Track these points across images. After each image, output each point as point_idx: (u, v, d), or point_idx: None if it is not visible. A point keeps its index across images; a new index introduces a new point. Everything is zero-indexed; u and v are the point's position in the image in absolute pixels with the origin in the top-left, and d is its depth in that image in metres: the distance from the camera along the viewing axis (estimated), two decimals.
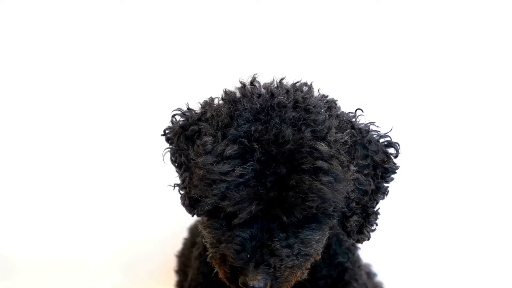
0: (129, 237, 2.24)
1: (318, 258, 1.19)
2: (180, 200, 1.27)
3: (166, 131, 1.33)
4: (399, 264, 2.10)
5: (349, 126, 1.19)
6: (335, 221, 1.17)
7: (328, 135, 1.11)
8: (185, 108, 1.31)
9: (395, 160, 1.25)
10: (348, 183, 1.13)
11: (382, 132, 1.27)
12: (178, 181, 1.29)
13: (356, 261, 1.42)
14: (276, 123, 1.08)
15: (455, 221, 2.17)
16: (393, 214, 2.12)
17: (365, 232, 1.23)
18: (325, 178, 1.06)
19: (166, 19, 2.22)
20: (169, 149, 1.32)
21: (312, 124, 1.10)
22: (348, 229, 1.21)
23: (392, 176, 1.25)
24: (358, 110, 1.25)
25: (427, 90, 2.18)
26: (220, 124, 1.13)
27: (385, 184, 1.24)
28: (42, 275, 2.13)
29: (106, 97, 2.26)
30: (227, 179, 1.05)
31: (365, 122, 1.25)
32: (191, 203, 1.21)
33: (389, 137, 1.27)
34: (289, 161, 1.06)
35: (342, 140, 1.13)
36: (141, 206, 2.24)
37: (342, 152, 1.12)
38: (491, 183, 2.16)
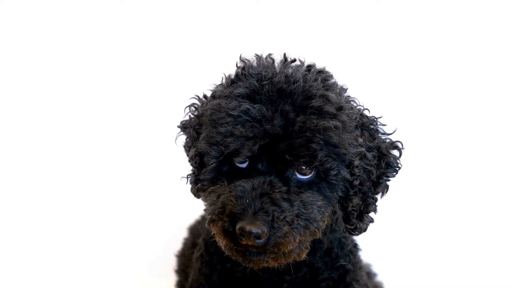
0: (129, 237, 2.24)
1: (318, 234, 1.15)
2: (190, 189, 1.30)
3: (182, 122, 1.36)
4: (399, 264, 2.10)
5: (357, 110, 1.22)
6: (337, 195, 1.16)
7: (339, 92, 1.17)
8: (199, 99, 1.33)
9: (397, 164, 1.26)
10: (355, 145, 1.14)
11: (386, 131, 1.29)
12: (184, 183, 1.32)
13: (357, 262, 1.42)
14: (288, 71, 1.15)
15: (455, 221, 2.17)
16: (393, 215, 2.13)
17: (364, 218, 1.23)
18: (332, 122, 1.08)
19: (166, 18, 2.21)
20: (182, 133, 1.35)
21: (323, 80, 1.17)
22: (349, 209, 1.20)
23: (394, 173, 1.26)
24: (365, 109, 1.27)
25: (427, 90, 2.17)
26: (230, 80, 1.18)
27: (386, 180, 1.25)
28: (42, 275, 2.12)
29: (107, 98, 2.25)
30: (233, 113, 1.09)
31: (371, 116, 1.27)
32: (196, 179, 1.24)
33: (390, 138, 1.28)
34: (297, 101, 1.09)
35: (351, 109, 1.17)
36: (141, 206, 2.24)
37: (350, 113, 1.15)
38: (490, 183, 2.16)
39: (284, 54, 1.24)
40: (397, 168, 1.26)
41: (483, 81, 2.16)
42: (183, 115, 1.34)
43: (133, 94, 2.24)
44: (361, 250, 1.48)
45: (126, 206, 2.25)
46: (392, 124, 1.43)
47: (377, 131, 1.25)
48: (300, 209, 1.09)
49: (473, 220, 2.16)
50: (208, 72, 1.31)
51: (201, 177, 1.21)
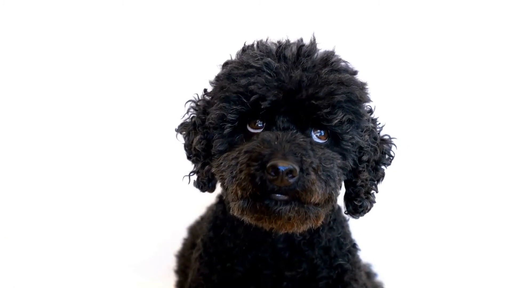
0: (129, 237, 2.24)
1: (332, 202, 1.14)
2: (194, 183, 1.30)
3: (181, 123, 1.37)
4: (399, 264, 2.09)
5: None
6: (349, 164, 1.18)
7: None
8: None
9: (392, 153, 1.32)
10: (366, 118, 1.20)
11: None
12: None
13: (356, 262, 1.42)
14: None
15: (455, 221, 2.16)
16: (392, 215, 2.14)
17: (370, 197, 1.26)
18: (354, 78, 1.17)
19: (166, 17, 2.21)
20: (182, 132, 1.34)
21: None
22: (358, 183, 1.23)
23: (389, 161, 1.31)
24: None
25: (427, 90, 2.17)
26: (242, 49, 1.24)
27: (383, 166, 1.29)
28: (41, 275, 2.13)
29: (106, 98, 2.25)
30: (255, 65, 1.12)
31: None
32: (203, 163, 1.24)
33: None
34: (316, 59, 1.16)
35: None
36: (141, 206, 2.24)
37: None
38: (490, 184, 2.16)
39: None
40: (391, 157, 1.31)
41: (481, 81, 2.15)
42: (184, 111, 1.35)
43: (132, 95, 2.24)
44: (360, 250, 1.48)
45: (126, 206, 2.24)
46: (392, 123, 1.44)
47: (375, 119, 1.30)
48: (322, 163, 1.09)
49: (472, 220, 2.15)
50: (207, 72, 1.32)
51: (213, 151, 1.20)
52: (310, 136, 1.14)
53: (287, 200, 1.06)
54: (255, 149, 1.08)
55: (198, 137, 1.25)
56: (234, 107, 1.14)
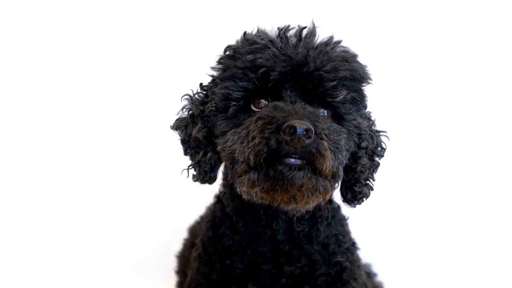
0: (129, 237, 2.23)
1: (340, 175, 1.13)
2: (192, 176, 1.30)
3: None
4: (399, 264, 2.09)
5: None
6: (352, 141, 1.20)
7: None
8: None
9: (383, 145, 1.35)
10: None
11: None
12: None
13: (355, 261, 1.42)
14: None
15: (455, 222, 2.16)
16: (392, 215, 2.14)
17: (369, 184, 1.29)
18: (355, 58, 1.20)
19: (166, 16, 2.21)
20: (185, 109, 1.35)
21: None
22: (358, 169, 1.25)
23: (382, 153, 1.34)
24: None
25: (426, 90, 2.17)
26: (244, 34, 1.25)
27: (377, 157, 1.32)
28: (40, 276, 2.13)
29: (105, 99, 2.25)
30: (261, 41, 1.15)
31: None
32: (205, 151, 1.25)
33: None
34: (317, 39, 1.18)
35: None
36: (141, 207, 2.24)
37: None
38: (489, 184, 2.15)
39: None
40: (384, 149, 1.34)
41: (481, 80, 2.15)
42: (180, 106, 1.36)
43: (131, 96, 2.24)
44: (359, 249, 1.48)
45: (126, 207, 2.24)
46: (393, 123, 1.45)
47: (369, 111, 1.33)
48: (331, 134, 1.10)
49: (472, 220, 2.15)
50: (202, 71, 1.33)
51: (216, 133, 1.20)
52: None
53: (301, 166, 1.05)
54: (268, 115, 1.08)
55: (198, 126, 1.26)
56: (240, 84, 1.15)
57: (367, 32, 2.11)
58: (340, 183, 1.28)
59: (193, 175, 1.31)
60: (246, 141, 1.08)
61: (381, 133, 1.34)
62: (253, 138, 1.07)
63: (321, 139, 1.06)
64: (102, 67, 2.23)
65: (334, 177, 1.12)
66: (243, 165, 1.09)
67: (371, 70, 1.27)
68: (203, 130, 1.25)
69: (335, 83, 1.13)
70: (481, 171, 2.16)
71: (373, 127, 1.32)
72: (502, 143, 2.15)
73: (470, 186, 2.15)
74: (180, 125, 1.33)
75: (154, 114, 2.15)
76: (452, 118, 2.16)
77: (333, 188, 1.17)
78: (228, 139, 1.15)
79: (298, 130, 1.01)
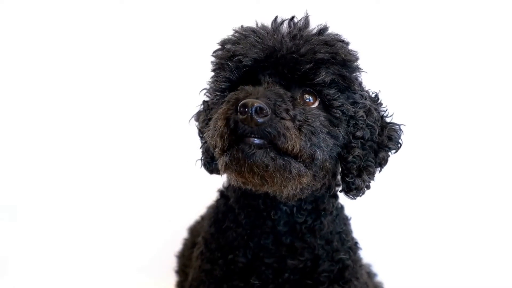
0: (129, 237, 2.23)
1: (320, 159, 1.11)
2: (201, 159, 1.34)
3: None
4: (399, 264, 2.09)
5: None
6: (340, 133, 1.17)
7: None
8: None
9: (400, 140, 1.29)
10: (360, 94, 1.20)
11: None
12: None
13: (357, 260, 1.42)
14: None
15: (455, 222, 2.17)
16: (393, 215, 2.14)
17: (364, 177, 1.23)
18: (337, 40, 1.18)
19: (166, 16, 2.22)
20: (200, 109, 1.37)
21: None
22: (349, 159, 1.21)
23: (394, 147, 1.27)
24: None
25: (426, 89, 2.18)
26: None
27: (387, 150, 1.26)
28: (41, 275, 2.12)
29: (106, 99, 2.25)
30: (241, 31, 1.19)
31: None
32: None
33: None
34: (298, 24, 1.19)
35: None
36: (141, 207, 2.24)
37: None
38: (489, 183, 2.17)
39: None
40: (398, 144, 1.28)
41: (480, 80, 2.16)
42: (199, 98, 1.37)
43: (132, 97, 2.24)
44: (361, 249, 1.48)
45: (126, 207, 2.25)
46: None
47: (380, 103, 1.29)
48: (303, 117, 1.09)
49: (472, 220, 2.16)
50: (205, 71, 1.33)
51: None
52: (295, 99, 1.13)
53: (261, 145, 1.05)
54: (232, 97, 1.10)
55: (201, 117, 1.30)
56: (223, 74, 1.17)
57: (367, 32, 2.12)
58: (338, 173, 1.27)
59: (204, 164, 1.36)
60: (215, 125, 1.11)
61: (393, 126, 1.28)
62: (217, 120, 1.09)
63: (282, 118, 1.05)
64: (102, 67, 2.24)
65: (312, 160, 1.10)
66: (216, 149, 1.11)
67: (370, 68, 1.26)
68: (205, 121, 1.27)
69: (311, 65, 1.11)
70: (481, 171, 2.17)
71: (382, 119, 1.28)
72: (502, 142, 2.16)
73: (470, 186, 2.16)
74: (196, 117, 1.37)
75: (158, 118, 2.16)
76: (452, 118, 2.17)
77: (314, 173, 1.14)
78: (209, 127, 1.17)
79: (250, 109, 1.01)
